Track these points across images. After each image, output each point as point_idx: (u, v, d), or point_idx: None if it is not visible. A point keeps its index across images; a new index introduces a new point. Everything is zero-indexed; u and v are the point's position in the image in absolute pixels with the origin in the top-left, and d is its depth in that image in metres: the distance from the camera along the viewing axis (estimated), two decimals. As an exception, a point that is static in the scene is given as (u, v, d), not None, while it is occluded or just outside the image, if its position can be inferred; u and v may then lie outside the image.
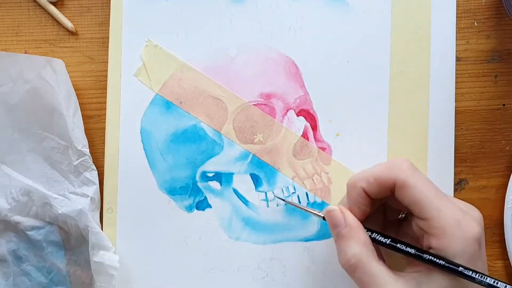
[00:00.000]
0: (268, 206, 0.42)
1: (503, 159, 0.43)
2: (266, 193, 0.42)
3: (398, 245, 0.35)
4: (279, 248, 0.42)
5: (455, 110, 0.42)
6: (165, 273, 0.42)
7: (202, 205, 0.42)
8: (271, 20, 0.42)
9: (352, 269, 0.34)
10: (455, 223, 0.32)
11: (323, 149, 0.42)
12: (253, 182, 0.42)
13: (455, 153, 0.42)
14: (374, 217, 0.38)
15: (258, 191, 0.42)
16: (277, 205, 0.42)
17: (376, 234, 0.35)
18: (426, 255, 0.33)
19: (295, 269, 0.42)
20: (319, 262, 0.42)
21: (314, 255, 0.42)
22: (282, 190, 0.42)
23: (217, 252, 0.42)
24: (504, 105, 0.43)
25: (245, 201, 0.42)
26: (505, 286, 0.32)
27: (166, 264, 0.42)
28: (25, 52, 0.44)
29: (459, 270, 0.32)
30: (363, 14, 0.42)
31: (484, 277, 0.32)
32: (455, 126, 0.42)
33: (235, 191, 0.42)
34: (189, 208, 0.42)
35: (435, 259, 0.32)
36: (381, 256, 0.36)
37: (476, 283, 0.32)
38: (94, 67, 0.44)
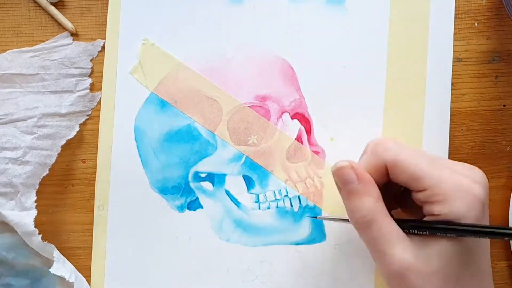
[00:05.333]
0: (260, 208, 0.41)
1: (503, 160, 0.43)
2: (258, 195, 0.42)
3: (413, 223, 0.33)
4: (270, 250, 0.41)
5: (456, 111, 0.42)
6: (154, 273, 0.42)
7: (194, 205, 0.42)
8: (268, 23, 0.42)
9: (366, 225, 0.33)
10: (455, 187, 0.31)
11: (317, 153, 0.42)
12: (246, 184, 0.42)
13: (455, 154, 0.42)
14: None
15: (250, 193, 0.42)
16: (269, 208, 0.41)
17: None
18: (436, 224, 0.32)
19: (285, 272, 0.41)
20: (309, 266, 0.41)
21: (304, 258, 0.41)
22: (274, 192, 0.41)
23: (207, 253, 0.41)
24: (504, 105, 0.43)
25: (237, 203, 0.42)
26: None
27: (155, 263, 0.42)
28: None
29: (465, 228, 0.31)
30: (361, 19, 0.42)
31: (487, 229, 0.31)
32: (456, 127, 0.42)
33: (227, 193, 0.42)
34: (181, 208, 0.42)
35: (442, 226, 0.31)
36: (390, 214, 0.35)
37: (481, 236, 0.31)
38: (94, 68, 0.44)
